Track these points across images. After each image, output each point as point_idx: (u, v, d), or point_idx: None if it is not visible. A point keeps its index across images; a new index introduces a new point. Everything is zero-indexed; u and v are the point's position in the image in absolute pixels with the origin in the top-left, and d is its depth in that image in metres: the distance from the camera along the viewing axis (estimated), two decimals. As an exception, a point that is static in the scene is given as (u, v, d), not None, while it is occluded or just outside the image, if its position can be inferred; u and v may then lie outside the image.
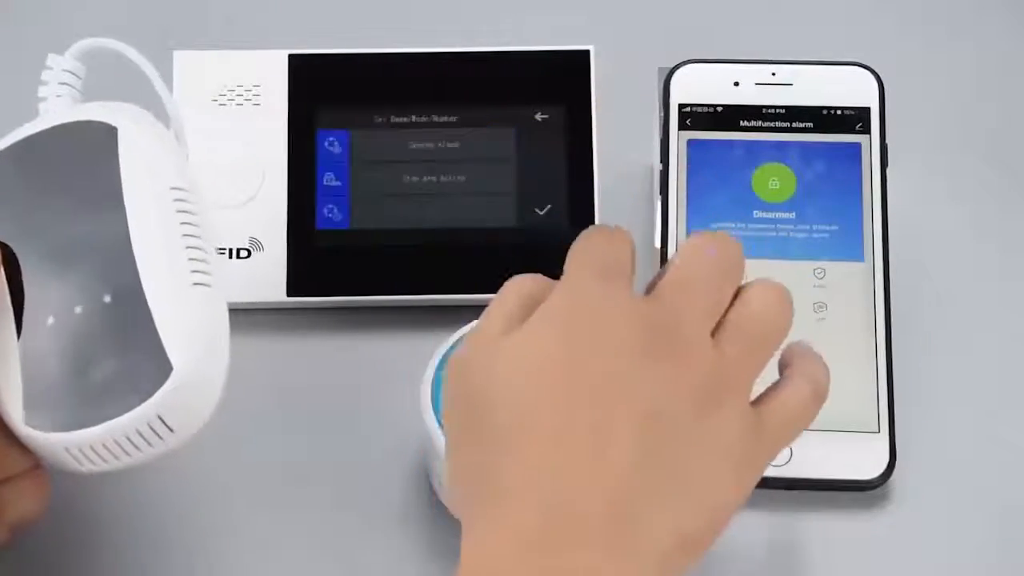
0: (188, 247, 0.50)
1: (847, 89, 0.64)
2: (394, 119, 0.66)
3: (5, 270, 0.50)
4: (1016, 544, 0.58)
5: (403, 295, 0.65)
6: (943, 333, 0.64)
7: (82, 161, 0.51)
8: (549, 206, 0.65)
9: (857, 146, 0.63)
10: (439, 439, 0.56)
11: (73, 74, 0.55)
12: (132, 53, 0.55)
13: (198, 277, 0.50)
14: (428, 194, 0.66)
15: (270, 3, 0.78)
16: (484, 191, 0.66)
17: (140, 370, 0.49)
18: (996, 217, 0.69)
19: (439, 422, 0.56)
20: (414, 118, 0.66)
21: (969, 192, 0.70)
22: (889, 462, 0.59)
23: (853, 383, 0.60)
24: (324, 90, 0.67)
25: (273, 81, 0.67)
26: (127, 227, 0.49)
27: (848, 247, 0.62)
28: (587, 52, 0.67)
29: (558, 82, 0.66)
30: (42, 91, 0.55)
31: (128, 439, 0.48)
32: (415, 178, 0.66)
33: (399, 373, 0.61)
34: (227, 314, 0.51)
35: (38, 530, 0.54)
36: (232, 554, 0.58)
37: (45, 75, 0.55)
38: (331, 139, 0.66)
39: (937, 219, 0.68)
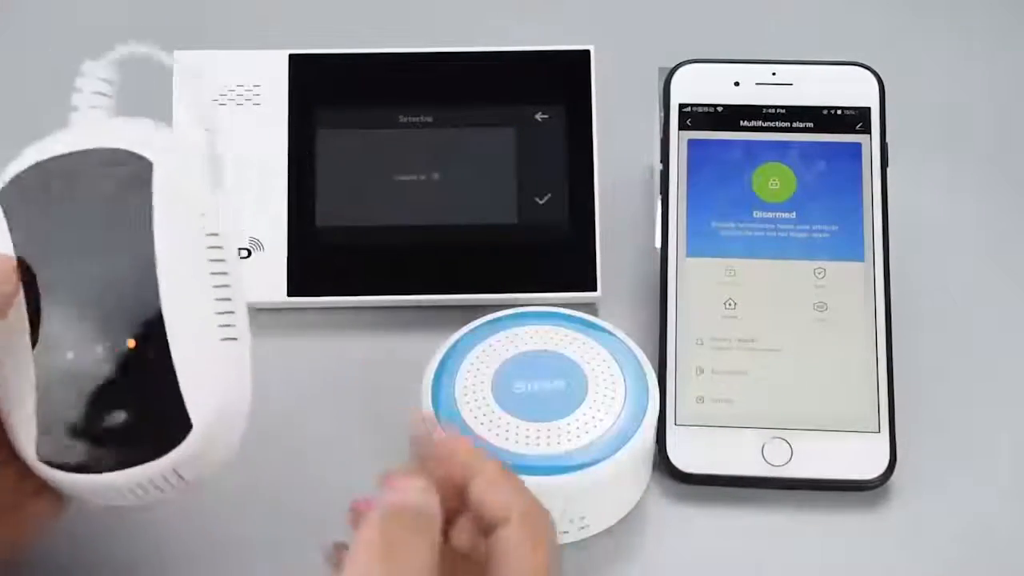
0: (218, 299, 0.48)
1: (847, 89, 0.64)
2: (394, 119, 0.66)
3: (24, 287, 0.49)
4: (1016, 544, 0.58)
5: (403, 295, 0.65)
6: (943, 333, 0.64)
7: (114, 192, 0.49)
8: (549, 206, 0.65)
9: (857, 146, 0.63)
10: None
11: (107, 82, 0.52)
12: (168, 60, 0.53)
13: (226, 332, 0.48)
14: (429, 194, 0.66)
15: (270, 3, 0.78)
16: (484, 191, 0.66)
17: (158, 420, 0.47)
18: (996, 216, 0.69)
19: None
20: (414, 117, 0.66)
21: (969, 192, 0.70)
22: (889, 462, 0.59)
23: (853, 383, 0.60)
24: (324, 90, 0.67)
25: (273, 81, 0.67)
26: (155, 271, 0.48)
27: (848, 247, 0.62)
28: (587, 52, 0.67)
29: (558, 82, 0.66)
30: (75, 99, 0.52)
31: (140, 487, 0.48)
32: (416, 178, 0.66)
33: (399, 373, 0.61)
34: (250, 365, 0.49)
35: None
36: (231, 555, 0.58)
37: (79, 82, 0.52)
38: (331, 139, 0.66)
39: (937, 219, 0.69)
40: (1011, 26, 0.77)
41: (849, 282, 0.62)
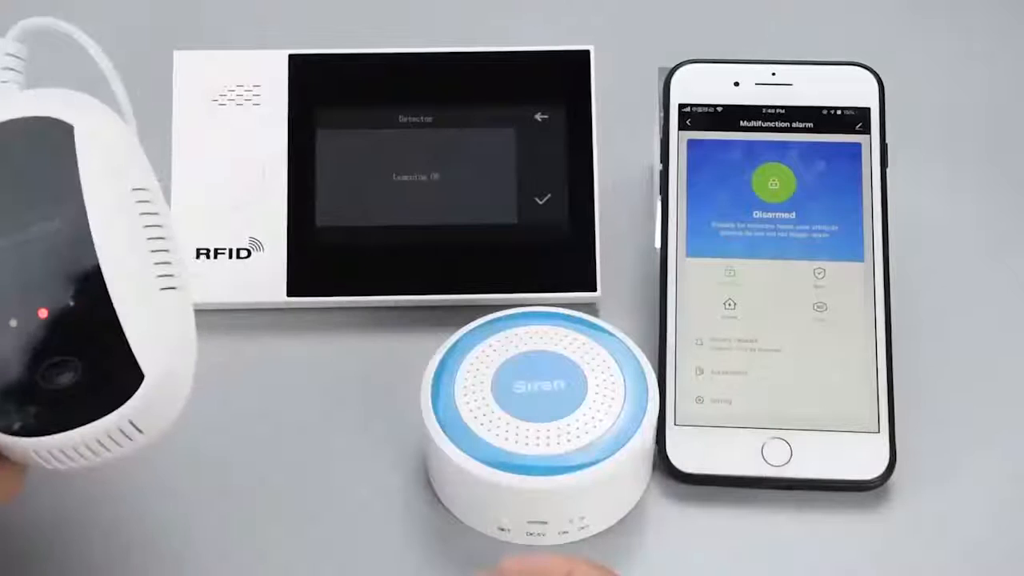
0: (154, 250, 0.50)
1: (847, 89, 0.64)
2: (394, 119, 0.66)
3: None
4: (1016, 544, 0.58)
5: (403, 295, 0.65)
6: (943, 333, 0.64)
7: (37, 159, 0.50)
8: (549, 206, 0.65)
9: (857, 146, 0.63)
10: (439, 439, 0.56)
11: (16, 57, 0.53)
12: (79, 35, 0.54)
13: (165, 281, 0.49)
14: (429, 194, 0.66)
15: (270, 3, 0.78)
16: (484, 191, 0.66)
17: (109, 374, 0.48)
18: (996, 216, 0.69)
19: (439, 421, 0.56)
20: (414, 118, 0.66)
21: (969, 192, 0.70)
22: (889, 462, 0.59)
23: (853, 383, 0.60)
24: (324, 90, 0.67)
25: (273, 81, 0.67)
26: (88, 229, 0.49)
27: (848, 247, 0.62)
28: (587, 52, 0.67)
29: (558, 82, 0.66)
30: None
31: (99, 442, 0.48)
32: (415, 178, 0.66)
33: (399, 373, 0.61)
34: (193, 314, 0.50)
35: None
36: (231, 554, 0.58)
37: None
38: (331, 139, 0.66)
39: (937, 219, 0.69)
40: (1011, 26, 0.77)
41: (849, 282, 0.62)
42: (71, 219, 0.49)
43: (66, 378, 0.48)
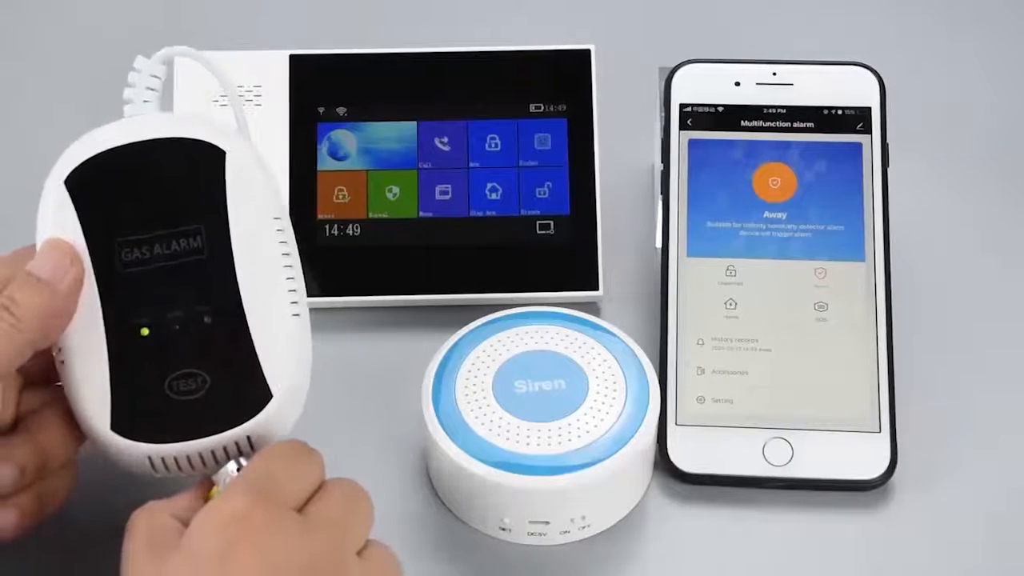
0: (288, 278, 0.52)
1: (848, 89, 0.64)
2: (395, 119, 0.66)
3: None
4: (1016, 545, 0.58)
5: (404, 295, 0.65)
6: (943, 333, 0.64)
7: (188, 178, 0.52)
8: (550, 205, 0.65)
9: (858, 146, 0.63)
10: (440, 439, 0.56)
11: (157, 78, 0.55)
12: (211, 63, 0.56)
13: (295, 308, 0.52)
14: (429, 195, 0.66)
15: (270, 3, 0.78)
16: (485, 191, 0.66)
17: (238, 391, 0.50)
18: (996, 216, 0.69)
19: (440, 421, 0.56)
20: (415, 118, 0.66)
21: (970, 192, 0.70)
22: (889, 462, 0.59)
23: (853, 383, 0.60)
24: (325, 90, 0.67)
25: (274, 81, 0.67)
26: (230, 251, 0.51)
27: (849, 247, 0.62)
28: (587, 51, 0.67)
29: (558, 81, 0.67)
30: (127, 93, 0.55)
31: (213, 455, 0.50)
32: (416, 179, 0.66)
33: (399, 373, 0.61)
34: (311, 343, 0.52)
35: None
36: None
37: (132, 77, 0.55)
38: (332, 140, 0.66)
39: (937, 219, 0.69)
40: (1012, 26, 0.77)
41: (849, 282, 0.62)
42: (214, 240, 0.51)
43: (194, 391, 0.50)
